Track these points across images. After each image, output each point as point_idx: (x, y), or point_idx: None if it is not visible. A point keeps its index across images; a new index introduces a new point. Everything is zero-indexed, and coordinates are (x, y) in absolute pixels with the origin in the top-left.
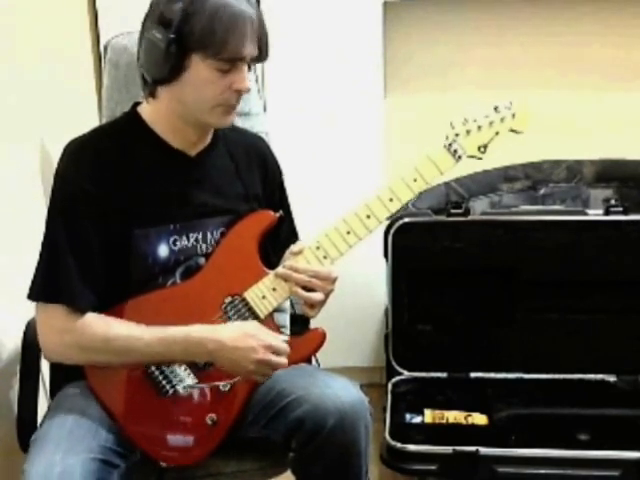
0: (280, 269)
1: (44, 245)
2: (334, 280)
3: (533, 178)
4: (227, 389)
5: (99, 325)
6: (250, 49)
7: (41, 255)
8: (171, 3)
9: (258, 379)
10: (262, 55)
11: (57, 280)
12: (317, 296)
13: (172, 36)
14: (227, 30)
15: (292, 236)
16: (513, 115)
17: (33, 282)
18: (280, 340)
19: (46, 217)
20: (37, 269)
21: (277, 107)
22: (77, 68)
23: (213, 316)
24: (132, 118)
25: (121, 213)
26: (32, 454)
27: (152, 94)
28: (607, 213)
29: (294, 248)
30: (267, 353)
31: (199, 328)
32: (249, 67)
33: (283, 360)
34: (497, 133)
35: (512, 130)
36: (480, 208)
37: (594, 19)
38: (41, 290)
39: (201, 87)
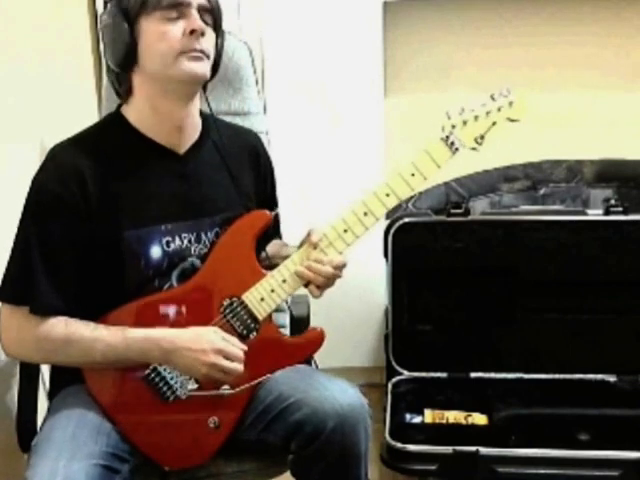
0: (300, 268)
1: (15, 247)
2: (343, 267)
3: (533, 178)
4: (228, 392)
5: (60, 327)
6: None
7: (11, 257)
8: None
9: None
10: (218, 8)
11: (23, 283)
12: (329, 285)
13: (113, 8)
14: None
15: (276, 233)
16: (510, 103)
17: (2, 282)
18: (235, 346)
19: (20, 219)
20: (7, 270)
21: (277, 107)
22: (77, 68)
23: (212, 319)
24: (116, 119)
25: (110, 215)
26: (34, 460)
27: (129, 90)
28: (607, 213)
29: (314, 237)
30: (218, 357)
31: (158, 330)
32: (206, 22)
33: (235, 366)
34: (494, 123)
35: (510, 119)
36: (480, 208)
37: (594, 19)
38: (8, 292)
39: (157, 44)
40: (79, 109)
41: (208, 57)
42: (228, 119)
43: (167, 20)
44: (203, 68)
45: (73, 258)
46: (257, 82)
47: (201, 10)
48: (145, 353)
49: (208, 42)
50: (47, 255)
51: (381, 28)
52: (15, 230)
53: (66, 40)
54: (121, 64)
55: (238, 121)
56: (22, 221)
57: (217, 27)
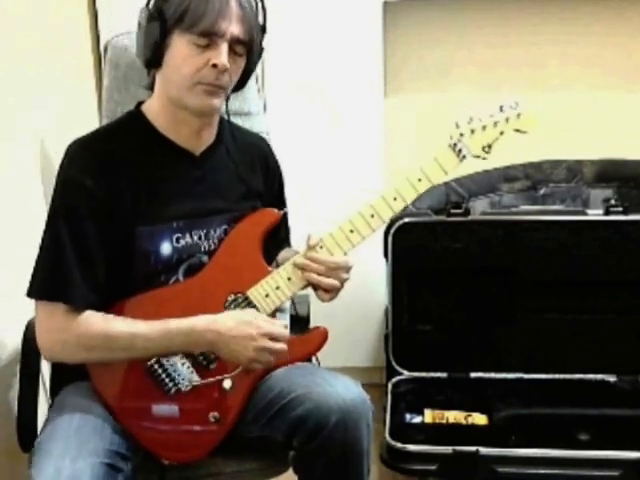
0: (298, 258)
1: (45, 244)
2: (349, 269)
3: (533, 178)
4: (229, 386)
5: (99, 323)
6: (228, 26)
7: (41, 254)
8: None
9: (257, 366)
10: (248, 37)
11: (57, 278)
12: (333, 281)
13: (152, 14)
14: (203, 2)
15: (285, 235)
16: (518, 115)
17: (33, 280)
18: (278, 325)
19: (47, 216)
20: (36, 267)
21: (277, 107)
22: (77, 68)
23: (216, 314)
24: (135, 117)
25: (124, 211)
26: (38, 458)
27: (151, 85)
28: (607, 213)
29: (312, 241)
30: (266, 340)
31: (201, 319)
32: (237, 52)
33: (283, 346)
34: (502, 133)
35: (517, 130)
36: (480, 208)
37: (595, 19)
38: (41, 288)
39: (180, 64)
40: (79, 109)
41: (225, 90)
42: None
43: (196, 46)
44: (215, 102)
45: (100, 253)
46: (257, 82)
47: (234, 42)
48: (187, 345)
49: (230, 76)
50: (78, 250)
51: (381, 28)
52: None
53: (66, 40)
54: (146, 62)
55: (238, 121)
56: (51, 217)
57: (250, 51)
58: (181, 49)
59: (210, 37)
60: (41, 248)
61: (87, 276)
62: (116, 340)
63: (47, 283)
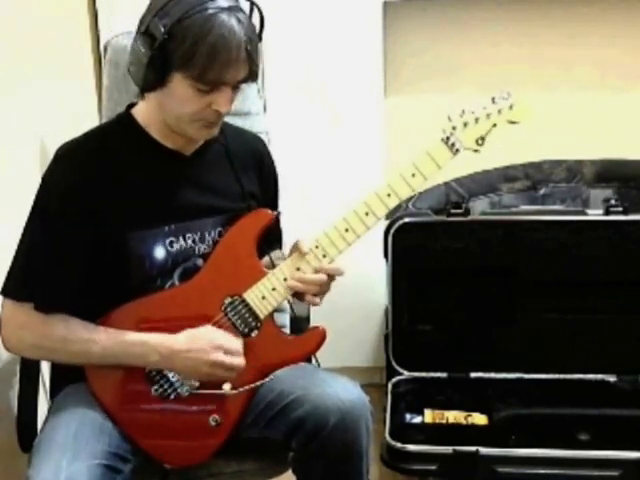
0: (291, 282)
1: (21, 244)
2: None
3: (533, 178)
4: (229, 390)
5: (60, 327)
6: (234, 74)
7: (16, 254)
8: (158, 18)
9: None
10: (252, 76)
11: (26, 280)
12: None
13: (154, 52)
14: (210, 56)
15: (279, 239)
16: (511, 106)
17: (7, 278)
18: (233, 341)
19: (28, 216)
20: (11, 266)
21: (277, 107)
22: (77, 68)
23: (213, 317)
24: (125, 120)
25: (115, 215)
26: (36, 459)
27: (142, 96)
28: (607, 213)
29: (303, 248)
30: (218, 353)
31: (156, 336)
32: (236, 87)
33: (237, 360)
34: (495, 125)
35: (510, 121)
36: (480, 208)
37: (594, 19)
38: (11, 287)
39: (180, 102)
40: (79, 109)
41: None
42: (228, 119)
43: (197, 90)
44: (215, 131)
45: (79, 257)
46: (257, 82)
47: (238, 82)
48: (143, 357)
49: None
50: (52, 253)
51: (381, 28)
52: (17, 229)
53: (66, 40)
54: (140, 87)
55: (238, 121)
56: (30, 219)
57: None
58: (182, 90)
59: (215, 85)
60: (18, 247)
61: (59, 279)
62: (73, 346)
63: (16, 283)
